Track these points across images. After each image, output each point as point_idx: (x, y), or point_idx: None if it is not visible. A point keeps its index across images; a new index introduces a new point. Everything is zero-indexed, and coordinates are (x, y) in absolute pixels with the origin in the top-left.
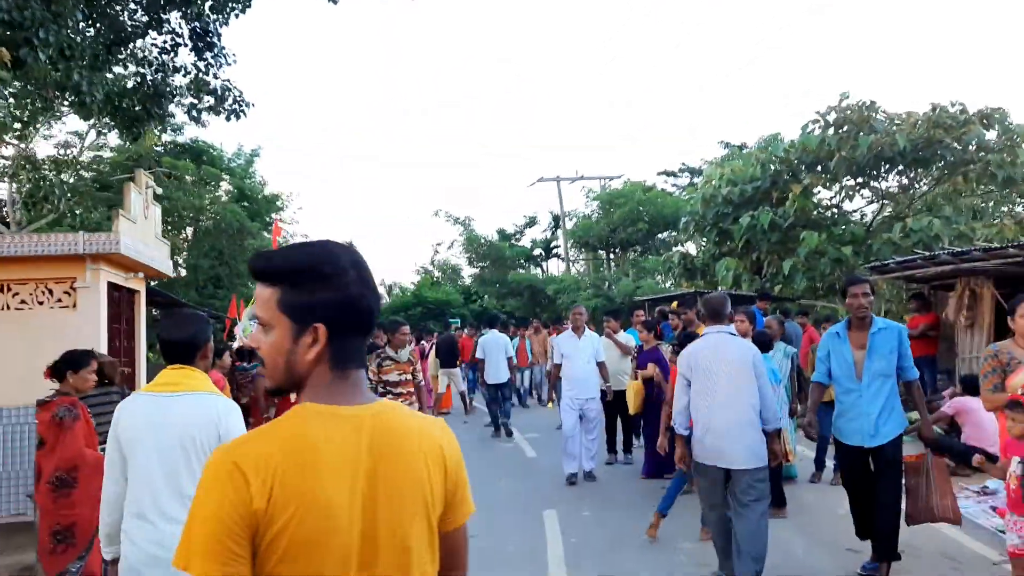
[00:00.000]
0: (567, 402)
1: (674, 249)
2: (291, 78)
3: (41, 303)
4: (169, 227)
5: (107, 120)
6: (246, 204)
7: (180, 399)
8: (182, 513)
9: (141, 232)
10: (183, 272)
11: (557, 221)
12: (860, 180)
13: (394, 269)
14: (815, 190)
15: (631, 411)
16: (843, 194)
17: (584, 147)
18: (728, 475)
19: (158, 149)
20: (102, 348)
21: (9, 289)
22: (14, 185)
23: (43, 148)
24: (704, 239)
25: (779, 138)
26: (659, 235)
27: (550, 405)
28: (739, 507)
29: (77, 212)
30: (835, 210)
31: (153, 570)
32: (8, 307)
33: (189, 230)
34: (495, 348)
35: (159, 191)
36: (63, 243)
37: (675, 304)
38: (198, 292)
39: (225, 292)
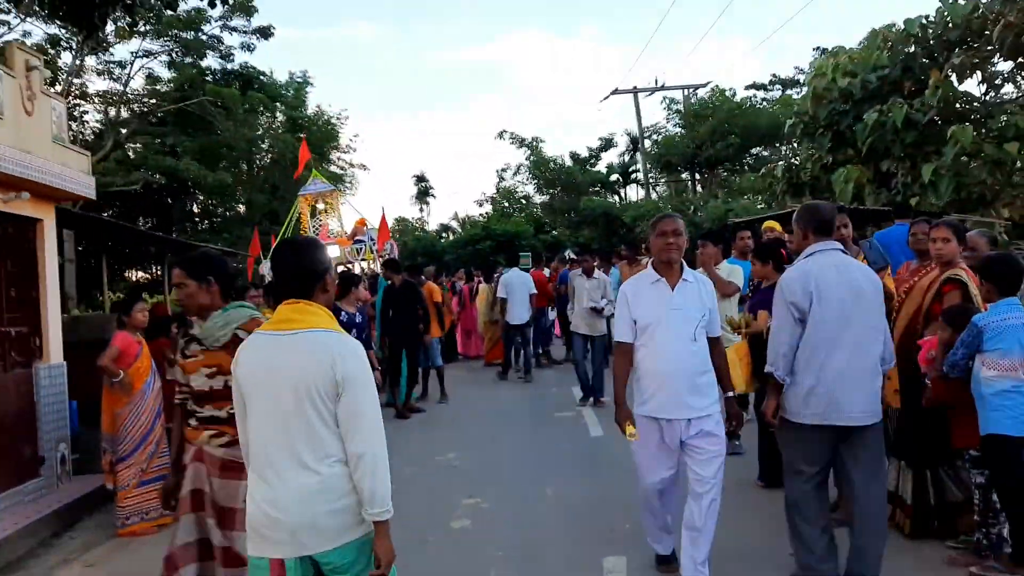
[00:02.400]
0: (645, 425)
1: (776, 161)
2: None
3: None
4: (224, 162)
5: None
6: (301, 136)
7: (295, 338)
8: (292, 472)
9: (13, 132)
10: (242, 209)
11: (635, 143)
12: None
13: (463, 200)
14: (965, 75)
15: (739, 388)
16: (997, 80)
17: (664, 57)
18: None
19: (206, 78)
20: None
21: None
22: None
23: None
24: (815, 146)
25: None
26: (752, 150)
27: (629, 432)
28: (864, 475)
29: (133, 147)
30: (990, 97)
31: (271, 532)
32: None
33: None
34: (520, 287)
35: (47, 74)
36: None
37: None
38: (253, 229)
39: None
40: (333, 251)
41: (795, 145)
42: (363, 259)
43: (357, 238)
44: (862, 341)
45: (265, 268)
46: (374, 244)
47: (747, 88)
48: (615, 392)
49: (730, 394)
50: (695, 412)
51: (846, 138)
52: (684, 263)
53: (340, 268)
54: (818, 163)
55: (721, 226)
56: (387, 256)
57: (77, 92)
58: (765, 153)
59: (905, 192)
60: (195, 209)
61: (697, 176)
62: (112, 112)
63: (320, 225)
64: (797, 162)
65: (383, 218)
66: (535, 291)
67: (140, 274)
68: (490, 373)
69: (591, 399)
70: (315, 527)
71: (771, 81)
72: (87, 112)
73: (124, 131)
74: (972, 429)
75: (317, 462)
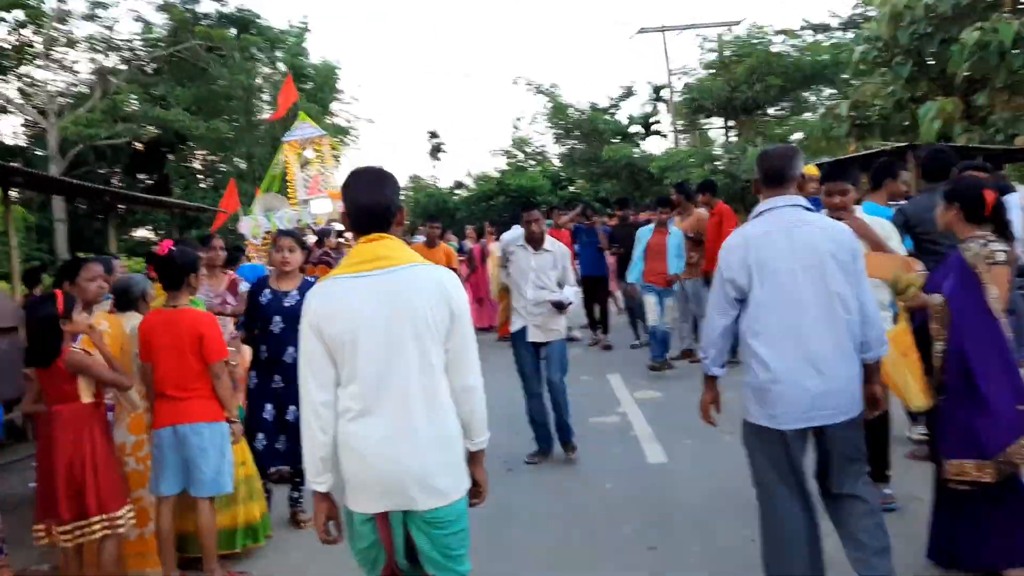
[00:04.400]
0: None
1: (840, 96)
2: None
3: None
4: (224, 114)
5: None
6: (301, 87)
7: (399, 274)
8: (420, 418)
9: None
10: (244, 165)
11: (658, 92)
12: None
13: (477, 155)
14: None
15: (912, 401)
16: None
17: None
18: (807, 439)
19: (199, 23)
20: None
21: None
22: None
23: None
24: (889, 77)
25: None
26: (795, 92)
27: None
28: (842, 487)
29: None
30: None
31: (390, 485)
32: None
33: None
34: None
35: None
36: None
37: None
38: (254, 184)
39: None
40: (324, 205)
41: (852, 80)
42: None
43: None
44: (827, 323)
45: (244, 226)
46: None
47: (776, 33)
48: None
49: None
50: None
51: (929, 67)
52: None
53: (335, 225)
54: (890, 98)
55: (746, 184)
56: None
57: (64, 40)
58: (812, 92)
59: (1007, 130)
60: (197, 165)
61: (731, 122)
62: (100, 60)
63: (310, 176)
64: (864, 98)
65: None
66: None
67: (141, 232)
68: (506, 352)
69: (549, 450)
70: (441, 475)
71: (802, 27)
72: (77, 62)
73: (114, 80)
74: None
75: (440, 406)
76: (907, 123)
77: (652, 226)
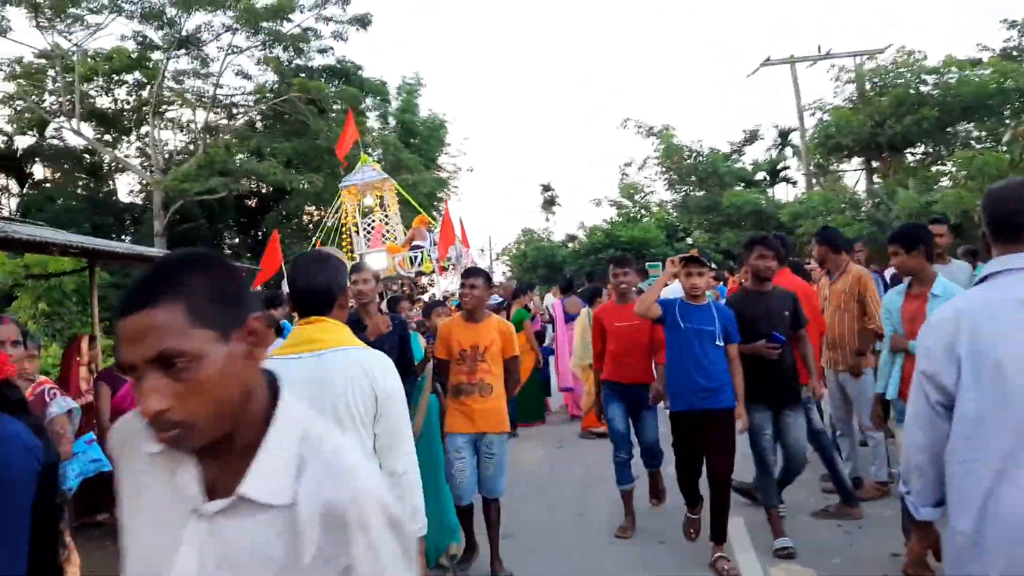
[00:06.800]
0: None
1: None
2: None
3: None
4: (328, 168)
5: None
6: (409, 141)
7: (325, 358)
8: None
9: None
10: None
11: (784, 136)
12: None
13: (589, 206)
14: None
15: None
16: None
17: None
18: None
19: (300, 75)
20: None
21: None
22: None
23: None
24: None
25: None
26: (953, 128)
27: None
28: None
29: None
30: None
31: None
32: None
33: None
34: None
35: None
36: None
37: None
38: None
39: None
40: (379, 260)
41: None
42: (420, 270)
43: (415, 243)
44: None
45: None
46: (435, 250)
47: (923, 72)
48: None
49: None
50: None
51: None
52: None
53: (401, 287)
54: None
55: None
56: (450, 266)
57: (179, 100)
58: (971, 124)
59: None
60: (305, 219)
61: (875, 163)
62: (204, 115)
63: (373, 226)
64: None
65: (447, 215)
66: None
67: None
68: (591, 452)
69: None
70: None
71: (946, 64)
72: (193, 121)
73: (223, 136)
74: None
75: None
76: None
77: (904, 287)
